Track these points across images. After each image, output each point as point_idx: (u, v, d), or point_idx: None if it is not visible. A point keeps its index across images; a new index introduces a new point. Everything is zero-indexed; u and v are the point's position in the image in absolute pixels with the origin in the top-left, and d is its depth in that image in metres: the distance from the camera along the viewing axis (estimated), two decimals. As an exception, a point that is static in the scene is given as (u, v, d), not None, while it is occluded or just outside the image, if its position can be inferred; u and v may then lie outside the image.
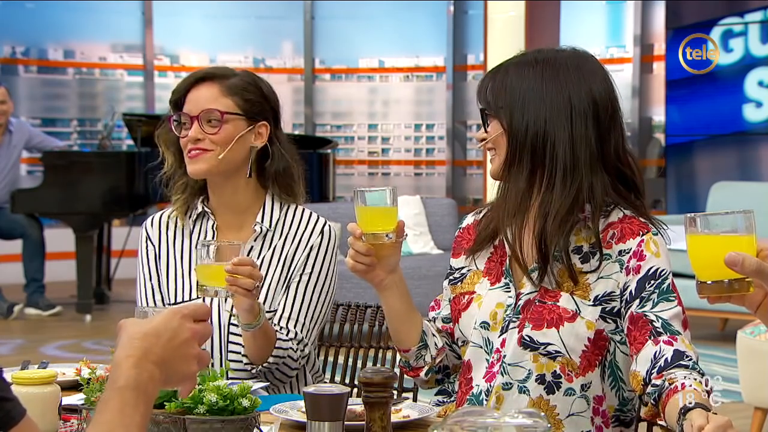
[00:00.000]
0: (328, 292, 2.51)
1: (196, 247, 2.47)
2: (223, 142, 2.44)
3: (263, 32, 10.53)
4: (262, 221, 2.51)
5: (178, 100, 2.49)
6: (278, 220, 2.52)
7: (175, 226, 2.56)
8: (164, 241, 2.56)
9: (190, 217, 2.55)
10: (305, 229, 2.52)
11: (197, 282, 2.25)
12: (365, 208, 2.05)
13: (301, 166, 2.57)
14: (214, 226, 2.53)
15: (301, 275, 2.49)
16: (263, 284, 2.46)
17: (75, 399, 2.03)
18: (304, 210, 2.55)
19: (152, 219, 2.59)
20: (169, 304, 2.51)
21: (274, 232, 2.51)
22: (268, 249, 2.50)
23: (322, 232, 2.52)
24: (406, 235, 2.08)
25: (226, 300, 2.43)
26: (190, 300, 2.49)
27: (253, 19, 10.44)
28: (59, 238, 8.35)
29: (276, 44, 10.66)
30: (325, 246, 2.51)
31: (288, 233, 2.52)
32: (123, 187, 7.50)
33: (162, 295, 2.53)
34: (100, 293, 8.10)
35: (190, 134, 2.44)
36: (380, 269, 2.11)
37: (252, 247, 2.50)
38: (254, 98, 2.49)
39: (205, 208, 2.53)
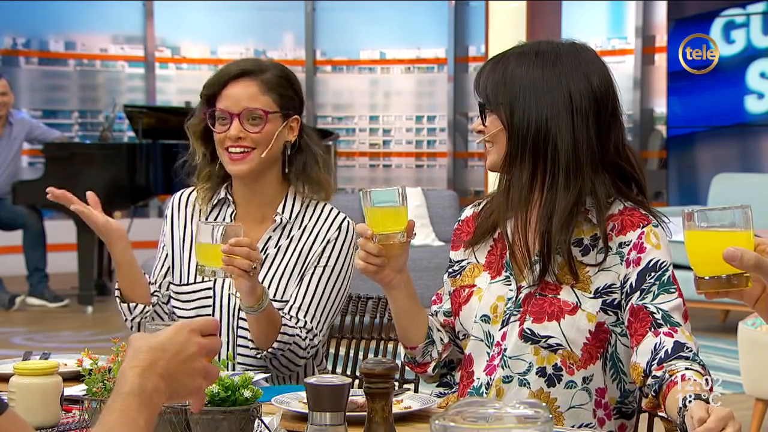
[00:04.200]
0: (341, 286, 2.50)
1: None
2: (264, 141, 2.45)
3: (264, 24, 10.52)
4: (282, 213, 2.51)
5: (211, 95, 2.47)
6: (299, 213, 2.52)
7: (193, 207, 2.57)
8: (181, 218, 2.57)
9: (211, 201, 2.55)
10: (324, 223, 2.52)
11: (196, 262, 2.24)
12: (375, 209, 2.02)
13: (328, 156, 2.58)
14: (233, 214, 2.53)
15: (315, 267, 2.48)
16: (279, 273, 2.48)
17: (77, 390, 2.03)
18: (325, 205, 2.54)
19: (180, 194, 2.60)
20: (175, 285, 2.52)
21: (293, 224, 2.51)
22: (286, 239, 2.51)
23: (339, 227, 2.51)
24: (415, 234, 2.07)
25: (224, 281, 2.44)
26: (194, 283, 2.50)
27: (254, 10, 10.43)
28: (60, 230, 8.35)
29: (277, 36, 10.65)
30: (342, 241, 2.50)
31: (306, 225, 2.51)
32: (124, 179, 7.50)
33: (172, 269, 2.53)
34: (102, 285, 8.10)
35: (232, 132, 2.43)
36: (389, 269, 2.10)
37: (270, 237, 2.51)
38: (288, 93, 2.50)
39: (228, 195, 2.54)
